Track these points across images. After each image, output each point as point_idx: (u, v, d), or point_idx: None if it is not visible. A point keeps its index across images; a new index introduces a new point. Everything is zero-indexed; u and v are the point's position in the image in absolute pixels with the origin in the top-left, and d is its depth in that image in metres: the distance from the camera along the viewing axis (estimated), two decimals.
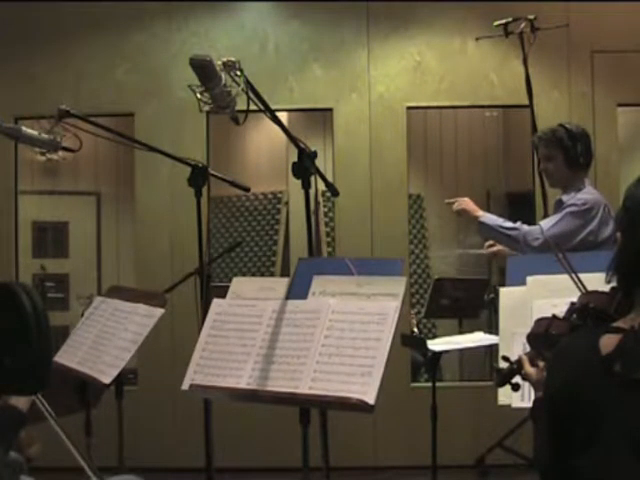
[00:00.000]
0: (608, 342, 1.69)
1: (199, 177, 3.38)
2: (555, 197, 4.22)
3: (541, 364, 2.03)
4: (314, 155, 2.86)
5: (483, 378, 6.12)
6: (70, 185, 7.68)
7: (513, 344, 2.56)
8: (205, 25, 5.79)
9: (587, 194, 4.04)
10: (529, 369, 2.06)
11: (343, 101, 5.76)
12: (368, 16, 5.75)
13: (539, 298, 2.60)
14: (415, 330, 6.60)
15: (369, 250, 5.64)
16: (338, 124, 5.78)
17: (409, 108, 5.78)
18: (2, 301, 1.77)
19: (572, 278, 2.31)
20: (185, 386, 2.62)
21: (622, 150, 5.87)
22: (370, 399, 2.24)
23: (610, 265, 1.79)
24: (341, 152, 5.76)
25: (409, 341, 4.43)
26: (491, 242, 4.30)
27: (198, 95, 2.69)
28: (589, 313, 1.94)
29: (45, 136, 3.26)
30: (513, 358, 2.16)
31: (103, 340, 3.17)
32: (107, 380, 2.98)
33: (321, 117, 6.34)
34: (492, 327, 5.52)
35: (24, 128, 3.33)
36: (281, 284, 2.69)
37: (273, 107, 2.84)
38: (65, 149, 3.33)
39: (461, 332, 5.77)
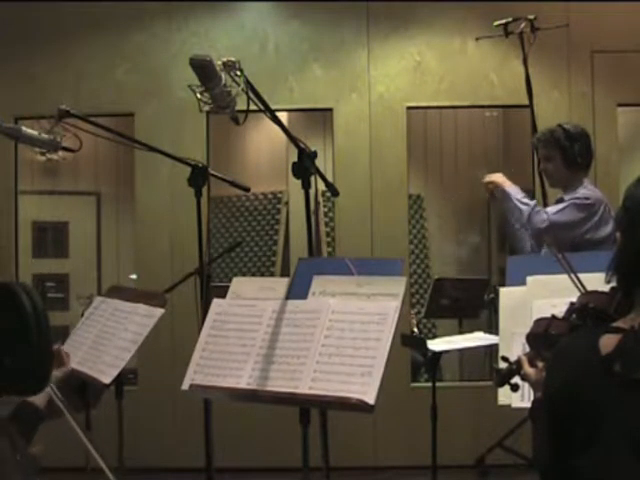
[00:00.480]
0: (608, 342, 1.69)
1: (199, 177, 3.38)
2: (555, 197, 4.23)
3: (540, 365, 2.03)
4: (314, 155, 2.86)
5: (483, 378, 6.12)
6: (70, 185, 7.68)
7: (513, 344, 2.56)
8: (205, 25, 5.80)
9: (589, 191, 4.08)
10: (528, 369, 2.06)
11: (343, 101, 5.76)
12: (368, 16, 5.76)
13: (539, 298, 2.60)
14: (415, 330, 6.61)
15: (369, 250, 5.64)
16: (338, 124, 5.78)
17: (409, 108, 5.78)
18: (2, 301, 1.77)
19: (571, 278, 2.31)
20: (185, 386, 2.62)
21: (622, 150, 5.87)
22: (370, 399, 2.24)
23: (610, 265, 1.79)
24: (341, 152, 5.76)
25: (409, 341, 4.43)
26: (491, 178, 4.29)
27: (198, 95, 2.69)
28: (589, 313, 1.94)
29: (45, 136, 3.26)
30: (513, 358, 2.16)
31: (103, 340, 3.17)
32: (107, 380, 2.98)
33: (321, 117, 6.34)
34: (492, 327, 5.52)
35: (24, 128, 3.32)
36: (281, 284, 2.68)
37: (273, 107, 2.84)
38: (65, 149, 3.33)
39: (461, 332, 5.77)
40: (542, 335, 2.02)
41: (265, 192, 7.36)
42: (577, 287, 2.27)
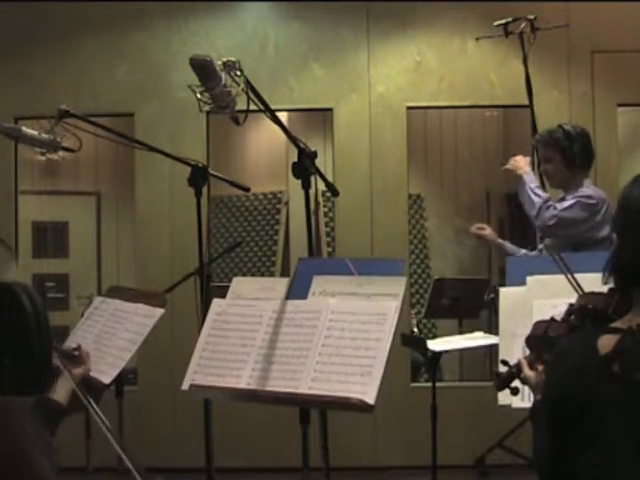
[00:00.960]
0: (606, 342, 1.69)
1: (199, 177, 3.38)
2: (556, 197, 4.23)
3: (540, 367, 2.03)
4: (314, 155, 2.86)
5: (483, 378, 6.11)
6: (70, 185, 7.68)
7: (513, 344, 2.56)
8: (205, 25, 5.79)
9: (591, 190, 4.09)
10: (528, 372, 2.06)
11: (343, 101, 5.76)
12: (368, 16, 5.75)
13: (539, 298, 2.60)
14: (415, 330, 6.60)
15: (369, 250, 5.64)
16: (338, 124, 5.78)
17: (409, 108, 5.78)
18: (2, 301, 1.78)
19: (568, 279, 2.31)
20: (185, 386, 2.62)
21: (622, 150, 5.87)
22: (370, 399, 2.24)
23: (606, 266, 1.79)
24: (341, 152, 5.76)
25: (409, 341, 4.43)
26: (480, 225, 4.48)
27: (198, 95, 2.69)
28: (587, 314, 1.94)
29: (45, 136, 3.26)
30: (513, 358, 2.16)
31: (103, 340, 3.17)
32: (107, 380, 2.99)
33: (321, 117, 6.34)
34: (492, 327, 5.51)
35: (24, 128, 3.33)
36: (281, 284, 2.68)
37: (273, 107, 2.84)
38: (65, 149, 3.34)
39: (461, 332, 5.76)
40: (541, 337, 2.02)
41: (265, 192, 7.36)
42: (574, 288, 2.27)
